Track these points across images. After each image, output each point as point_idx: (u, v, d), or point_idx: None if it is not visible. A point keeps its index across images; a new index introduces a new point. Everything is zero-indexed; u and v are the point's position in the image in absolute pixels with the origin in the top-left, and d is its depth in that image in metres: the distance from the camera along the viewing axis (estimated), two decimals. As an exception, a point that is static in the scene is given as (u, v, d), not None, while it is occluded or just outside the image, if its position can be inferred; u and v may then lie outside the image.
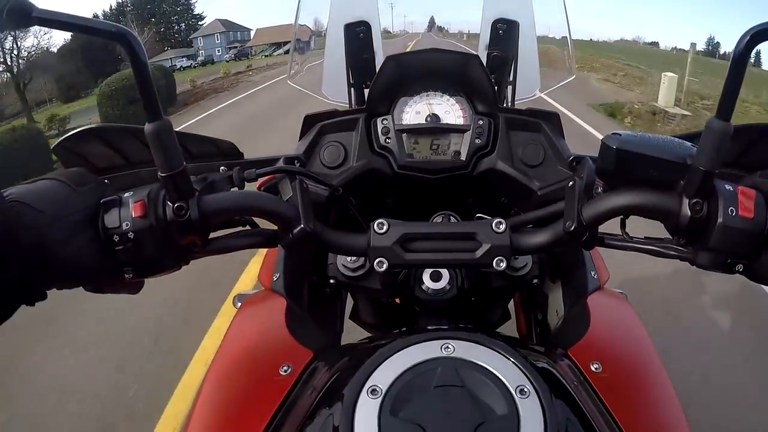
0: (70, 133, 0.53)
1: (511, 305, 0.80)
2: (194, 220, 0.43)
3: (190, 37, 51.21)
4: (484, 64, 0.73)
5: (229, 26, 50.55)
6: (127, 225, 0.42)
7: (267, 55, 42.58)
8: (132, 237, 0.42)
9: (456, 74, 0.65)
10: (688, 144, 0.43)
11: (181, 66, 43.06)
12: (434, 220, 0.65)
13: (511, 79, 0.77)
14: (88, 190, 0.44)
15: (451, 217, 0.65)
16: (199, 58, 46.00)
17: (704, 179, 0.39)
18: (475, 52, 0.66)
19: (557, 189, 0.61)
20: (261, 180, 0.56)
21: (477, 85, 0.64)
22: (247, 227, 0.50)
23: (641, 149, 0.43)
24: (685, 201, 0.41)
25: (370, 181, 0.65)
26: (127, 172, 0.56)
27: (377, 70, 0.67)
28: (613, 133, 0.44)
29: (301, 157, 0.60)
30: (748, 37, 0.34)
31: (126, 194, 0.44)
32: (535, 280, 0.63)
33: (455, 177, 0.65)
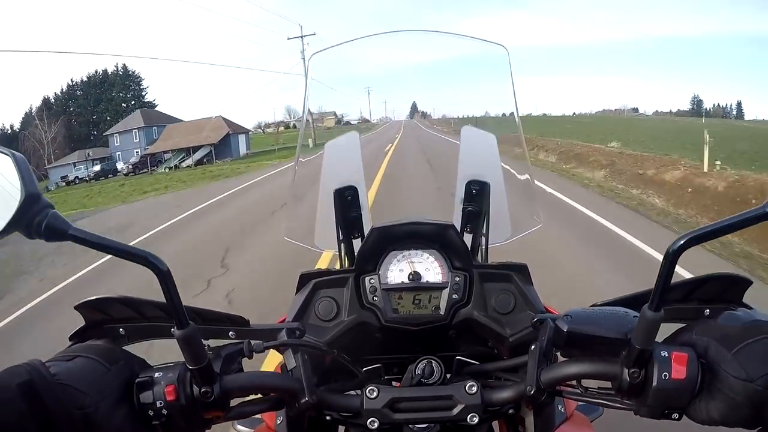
0: (94, 297, 0.62)
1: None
2: (217, 399, 0.54)
3: (105, 134, 41.86)
4: (460, 219, 0.86)
5: (151, 118, 39.65)
6: (160, 403, 0.52)
7: (171, 168, 31.37)
8: (165, 413, 0.52)
9: (434, 237, 0.74)
10: (632, 314, 0.54)
11: (76, 178, 33.61)
12: (418, 366, 0.70)
13: (484, 230, 0.87)
14: (120, 367, 0.54)
15: (434, 362, 0.71)
16: (119, 164, 34.97)
17: (639, 354, 0.50)
18: (450, 222, 0.75)
19: (525, 335, 0.68)
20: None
21: (453, 246, 0.73)
22: (259, 395, 0.61)
23: (589, 329, 0.54)
24: (625, 370, 0.51)
25: (361, 332, 0.72)
26: (142, 324, 0.64)
27: (364, 233, 0.79)
28: (565, 315, 0.56)
29: (300, 327, 0.66)
30: (681, 242, 0.44)
31: (156, 374, 0.54)
32: (510, 410, 0.68)
33: (436, 326, 0.72)
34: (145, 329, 0.65)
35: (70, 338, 0.64)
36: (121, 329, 0.64)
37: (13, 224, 0.45)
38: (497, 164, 0.89)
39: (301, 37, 35.74)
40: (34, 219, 0.45)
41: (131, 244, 0.52)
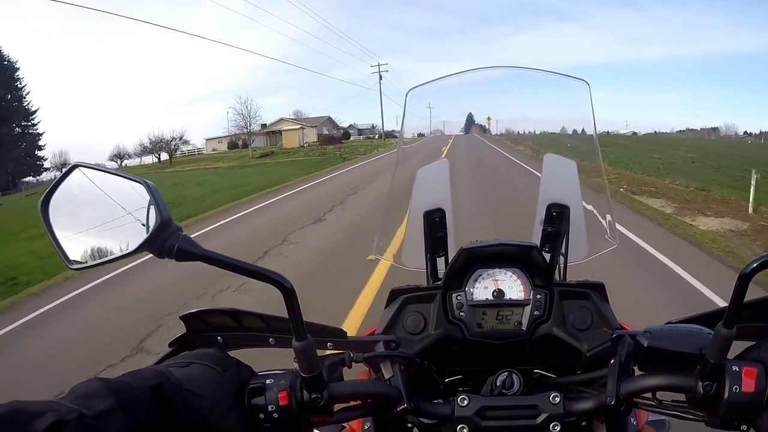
0: (197, 309, 0.71)
1: None
2: (325, 405, 0.59)
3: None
4: (540, 238, 0.91)
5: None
6: (272, 407, 0.58)
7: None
8: (276, 417, 0.59)
9: (518, 256, 0.78)
10: (706, 331, 0.58)
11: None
12: (499, 378, 0.74)
13: (563, 250, 0.92)
14: (233, 373, 0.60)
15: (514, 375, 0.74)
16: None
17: (713, 368, 0.55)
18: (533, 243, 0.80)
19: (602, 350, 0.72)
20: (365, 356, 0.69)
21: (535, 265, 0.78)
22: (358, 401, 0.67)
23: (666, 345, 0.59)
24: (699, 383, 0.56)
25: (445, 344, 0.77)
26: (240, 334, 0.72)
27: (448, 252, 0.89)
28: (644, 331, 0.61)
29: (396, 340, 0.72)
30: (754, 265, 0.49)
31: (268, 381, 0.60)
32: (583, 422, 0.72)
33: (516, 340, 0.76)
34: (242, 338, 0.72)
35: (170, 344, 0.71)
36: (219, 338, 0.71)
37: (146, 244, 0.52)
38: (577, 189, 0.94)
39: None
40: (166, 241, 0.52)
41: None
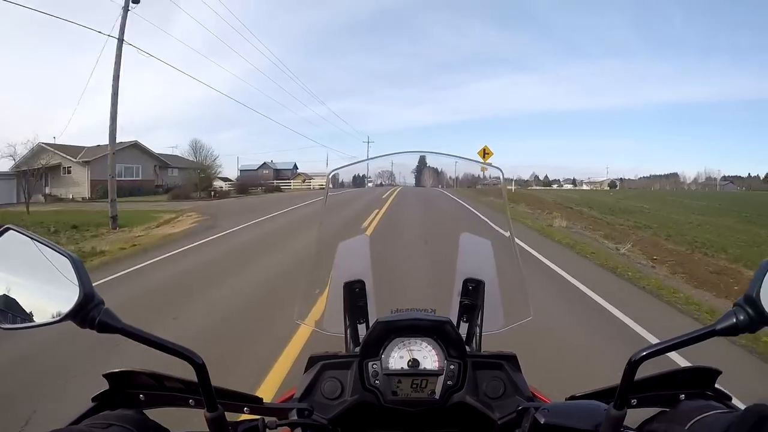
0: (122, 369, 0.73)
1: None
2: None
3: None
4: (457, 310, 0.98)
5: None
6: None
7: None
8: None
9: (433, 329, 0.84)
10: (603, 407, 0.62)
11: None
12: None
13: (479, 321, 0.98)
14: None
15: None
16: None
17: None
18: (447, 318, 0.86)
19: (511, 419, 0.76)
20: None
21: (449, 338, 0.83)
22: None
23: (562, 421, 0.64)
24: None
25: (362, 411, 0.80)
26: (161, 393, 0.74)
27: (369, 320, 0.95)
28: (543, 408, 0.66)
29: (309, 407, 0.76)
30: (642, 353, 0.56)
31: None
32: None
33: (431, 409, 0.80)
34: (163, 397, 0.74)
35: (93, 399, 0.72)
36: (141, 395, 0.73)
37: (70, 316, 0.56)
38: (492, 265, 1.02)
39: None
40: (89, 314, 0.56)
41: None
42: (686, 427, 0.60)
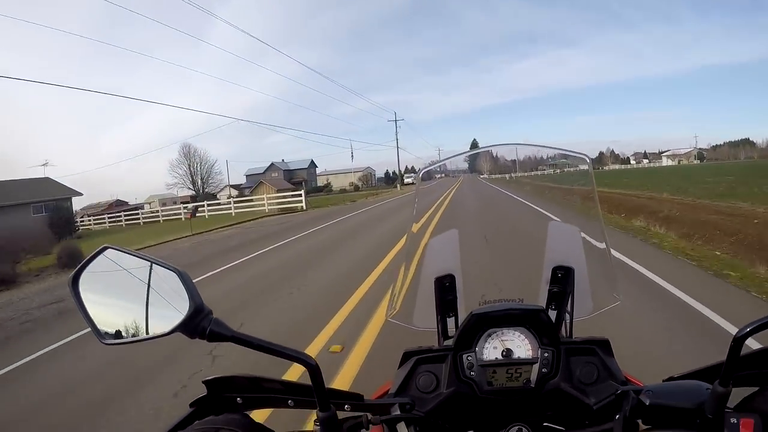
0: (221, 375, 0.88)
1: None
2: None
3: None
4: (546, 298, 1.13)
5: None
6: None
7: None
8: None
9: (525, 318, 0.97)
10: (705, 386, 0.72)
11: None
12: (509, 431, 0.92)
13: (568, 308, 1.12)
14: None
15: (524, 429, 0.92)
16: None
17: (712, 423, 0.69)
18: (541, 306, 0.99)
19: (608, 404, 0.89)
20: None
21: (542, 326, 0.96)
22: None
23: (667, 401, 0.74)
24: None
25: (457, 402, 0.95)
26: (259, 396, 0.89)
27: (458, 313, 1.12)
28: (646, 390, 0.76)
29: (411, 402, 0.90)
30: (747, 329, 0.65)
31: None
32: None
33: (526, 397, 0.94)
34: (261, 400, 0.90)
35: (191, 405, 0.87)
36: (238, 399, 0.89)
37: (181, 327, 0.68)
38: (581, 252, 1.16)
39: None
40: (199, 325, 0.68)
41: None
42: None
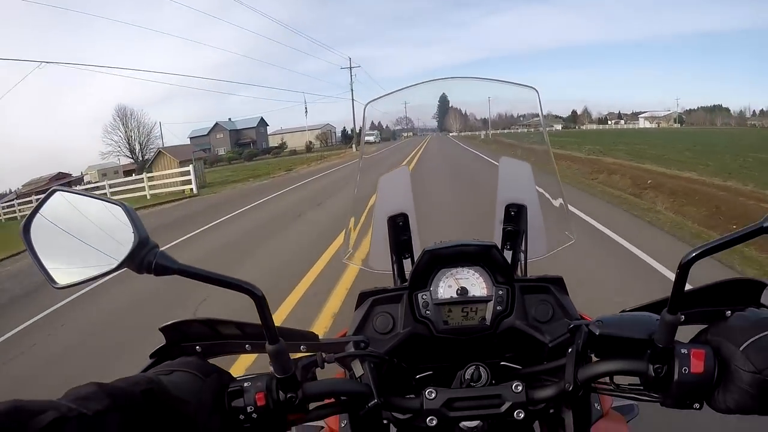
0: (176, 321, 0.94)
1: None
2: (300, 404, 0.82)
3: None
4: (500, 237, 1.22)
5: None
6: (250, 408, 0.80)
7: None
8: (255, 417, 0.80)
9: (479, 256, 1.05)
10: (655, 318, 0.78)
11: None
12: (467, 371, 0.98)
13: (522, 248, 1.22)
14: (213, 378, 0.82)
15: (481, 368, 0.98)
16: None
17: (662, 352, 0.76)
18: (493, 242, 1.06)
19: (562, 340, 0.97)
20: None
21: (496, 263, 1.05)
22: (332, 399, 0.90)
23: (617, 332, 0.81)
24: (650, 366, 0.77)
25: (414, 342, 1.02)
26: (217, 342, 0.96)
27: (414, 255, 1.18)
28: (596, 320, 0.83)
29: (365, 339, 0.97)
30: (693, 254, 0.69)
31: (246, 384, 0.81)
32: (551, 410, 0.96)
33: (482, 335, 1.02)
34: (220, 346, 0.95)
35: (151, 356, 0.93)
36: (197, 347, 0.94)
37: (126, 261, 0.70)
38: (533, 188, 1.25)
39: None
40: (145, 258, 0.70)
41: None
42: (741, 348, 0.73)
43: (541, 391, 0.88)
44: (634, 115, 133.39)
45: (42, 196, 0.80)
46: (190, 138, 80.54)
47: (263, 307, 0.76)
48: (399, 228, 1.24)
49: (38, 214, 0.79)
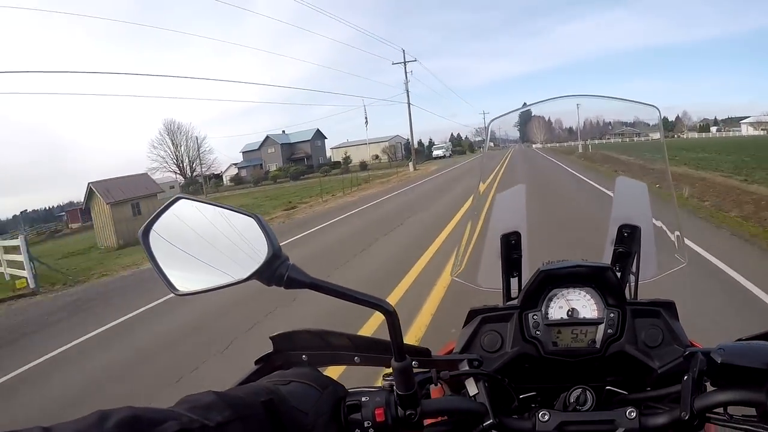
0: (288, 330, 1.04)
1: None
2: (418, 420, 0.89)
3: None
4: (611, 258, 1.30)
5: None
6: (368, 423, 0.87)
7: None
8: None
9: (591, 277, 1.12)
10: None
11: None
12: (572, 394, 1.03)
13: (633, 269, 1.29)
14: (330, 391, 0.89)
15: (587, 391, 1.04)
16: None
17: None
18: (607, 264, 1.14)
19: (673, 367, 1.02)
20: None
21: (608, 285, 1.12)
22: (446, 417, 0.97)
23: (739, 361, 0.84)
24: None
25: (521, 362, 1.10)
26: (325, 352, 1.04)
27: (522, 273, 1.29)
28: (718, 348, 0.86)
29: (480, 359, 1.05)
30: None
31: (364, 398, 0.89)
32: None
33: (591, 359, 1.09)
34: (327, 356, 1.04)
35: (256, 362, 1.03)
36: (303, 356, 1.03)
37: (257, 274, 0.76)
38: (647, 210, 1.33)
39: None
40: (276, 271, 0.77)
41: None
42: None
43: (655, 418, 0.92)
44: (736, 121, 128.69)
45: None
46: (243, 153, 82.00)
47: (394, 323, 0.84)
48: (511, 246, 1.33)
49: (159, 220, 0.85)
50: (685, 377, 0.90)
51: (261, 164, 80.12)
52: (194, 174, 60.42)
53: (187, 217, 0.85)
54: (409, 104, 59.54)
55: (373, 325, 5.94)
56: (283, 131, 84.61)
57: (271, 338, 1.06)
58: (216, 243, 0.82)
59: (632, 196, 1.37)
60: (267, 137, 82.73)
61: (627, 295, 1.26)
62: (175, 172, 63.32)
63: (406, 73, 60.37)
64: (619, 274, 1.28)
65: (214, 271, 0.82)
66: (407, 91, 60.02)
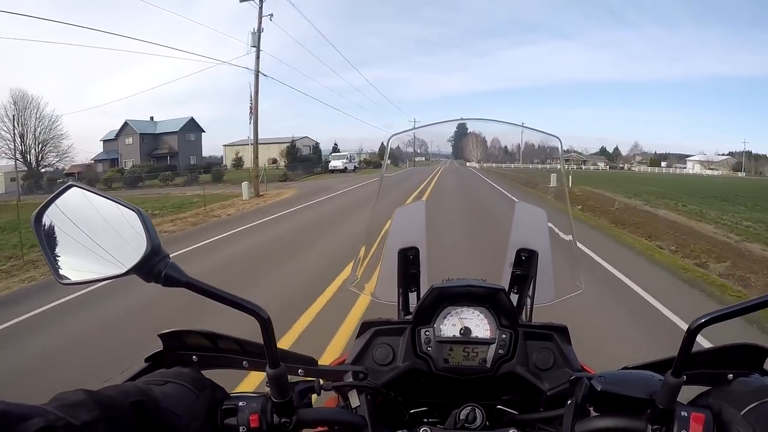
0: (177, 329, 1.15)
1: None
2: (293, 429, 1.00)
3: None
4: (509, 280, 1.51)
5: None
6: (243, 429, 0.99)
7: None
8: None
9: (486, 297, 1.30)
10: (658, 377, 0.94)
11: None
12: (462, 411, 1.19)
13: (530, 293, 1.49)
14: (207, 394, 1.00)
15: (477, 410, 1.19)
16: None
17: (662, 414, 0.91)
18: (501, 286, 1.30)
19: (561, 390, 1.18)
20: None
21: (502, 306, 1.30)
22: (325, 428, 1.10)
23: (619, 389, 0.97)
24: (649, 426, 0.92)
25: (412, 377, 1.25)
26: (214, 354, 1.16)
27: (420, 288, 1.47)
28: (599, 375, 1.00)
29: (365, 371, 1.18)
30: (701, 320, 0.83)
31: (241, 403, 1.01)
32: None
33: (481, 378, 1.26)
34: (216, 359, 1.15)
35: (146, 360, 1.12)
36: (194, 356, 1.14)
37: (136, 269, 0.84)
38: (546, 235, 1.53)
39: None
40: (155, 267, 0.84)
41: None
42: (742, 413, 0.88)
43: None
44: (679, 157, 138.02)
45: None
46: (104, 142, 75.34)
47: (268, 330, 0.94)
48: (409, 261, 1.51)
49: (51, 206, 0.92)
50: (569, 401, 1.05)
51: (117, 159, 73.45)
52: (39, 164, 56.68)
53: (77, 205, 0.93)
54: (257, 74, 36.30)
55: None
56: (152, 118, 77.99)
57: (160, 336, 1.16)
58: (103, 234, 0.91)
59: (531, 222, 1.57)
60: (126, 123, 74.60)
61: (523, 317, 1.47)
62: (19, 160, 58.21)
63: (260, 17, 35.39)
64: (517, 296, 1.50)
65: (99, 260, 0.90)
66: (257, 52, 35.92)
